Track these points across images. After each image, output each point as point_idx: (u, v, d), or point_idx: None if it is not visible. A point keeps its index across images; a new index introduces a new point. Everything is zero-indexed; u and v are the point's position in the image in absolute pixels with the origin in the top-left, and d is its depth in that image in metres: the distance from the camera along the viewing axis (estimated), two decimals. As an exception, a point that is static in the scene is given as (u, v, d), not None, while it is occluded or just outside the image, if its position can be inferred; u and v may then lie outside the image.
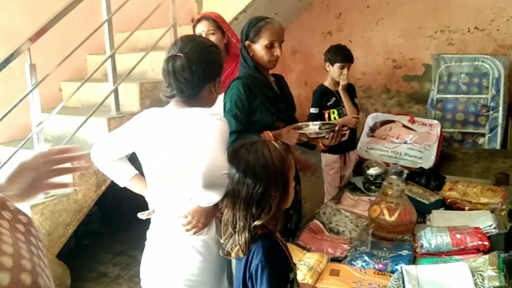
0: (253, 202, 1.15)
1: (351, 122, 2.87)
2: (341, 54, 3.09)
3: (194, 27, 2.56)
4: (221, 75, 1.57)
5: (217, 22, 2.51)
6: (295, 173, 2.23)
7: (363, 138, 3.22)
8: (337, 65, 3.08)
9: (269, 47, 2.02)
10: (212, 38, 2.41)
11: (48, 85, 2.81)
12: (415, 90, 4.13)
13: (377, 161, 2.79)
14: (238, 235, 1.15)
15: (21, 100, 2.47)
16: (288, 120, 2.15)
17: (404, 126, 3.20)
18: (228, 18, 3.42)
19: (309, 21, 4.42)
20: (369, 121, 3.33)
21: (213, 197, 1.32)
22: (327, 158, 3.20)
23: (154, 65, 3.22)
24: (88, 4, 2.82)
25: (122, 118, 2.81)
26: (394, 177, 2.57)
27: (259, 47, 2.03)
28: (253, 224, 1.15)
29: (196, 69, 1.43)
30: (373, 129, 3.27)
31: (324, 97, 3.11)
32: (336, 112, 3.09)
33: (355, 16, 4.26)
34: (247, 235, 1.15)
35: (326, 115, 3.08)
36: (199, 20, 2.54)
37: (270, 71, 2.19)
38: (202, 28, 2.49)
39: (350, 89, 3.21)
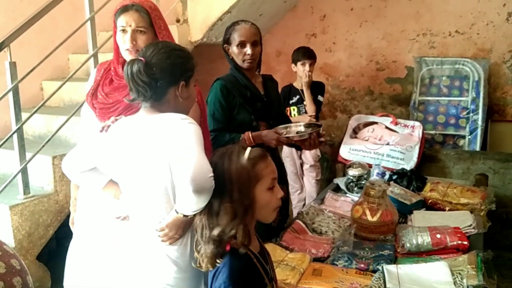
0: (212, 212, 1.16)
1: (305, 120, 3.01)
2: (301, 53, 3.38)
3: (115, 15, 1.74)
4: (188, 80, 1.49)
5: (150, 17, 1.73)
6: (279, 174, 2.25)
7: (346, 140, 3.26)
8: (299, 63, 3.36)
9: (241, 47, 2.14)
10: (140, 39, 1.71)
11: (29, 83, 2.77)
12: (398, 92, 4.18)
13: (359, 162, 2.82)
14: (205, 245, 1.15)
15: (0, 98, 2.42)
16: (267, 119, 2.21)
17: (386, 127, 3.24)
18: (213, 18, 3.42)
19: (294, 23, 4.44)
20: (352, 122, 3.37)
21: (200, 204, 1.31)
22: (284, 150, 3.46)
23: (138, 65, 3.19)
24: (70, 2, 2.79)
25: (105, 117, 2.77)
26: (376, 178, 2.61)
27: (234, 49, 2.16)
28: (213, 233, 1.14)
29: (154, 72, 1.41)
30: (356, 131, 3.31)
31: (287, 95, 3.42)
32: (296, 109, 3.39)
33: (339, 19, 4.29)
34: (212, 248, 1.14)
35: (288, 112, 3.35)
36: (126, 9, 1.71)
37: (261, 72, 2.28)
38: (129, 22, 1.70)
39: (319, 87, 3.38)
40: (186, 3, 3.51)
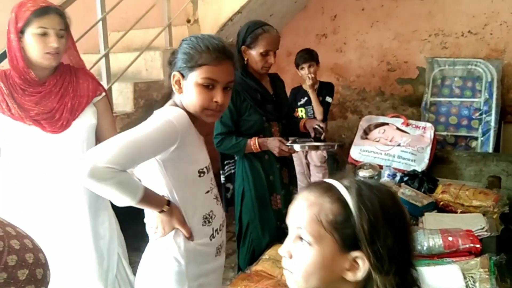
0: None
1: (312, 124, 2.83)
2: (300, 56, 3.37)
3: (30, 17, 1.62)
4: (185, 72, 1.31)
5: (66, 21, 1.70)
6: (290, 175, 2.26)
7: (357, 141, 3.23)
8: (299, 67, 3.36)
9: (264, 55, 2.12)
10: (61, 42, 1.66)
11: (41, 83, 2.79)
12: (409, 93, 4.14)
13: (370, 163, 2.80)
14: None
15: (13, 98, 2.44)
16: (278, 119, 2.21)
17: (397, 128, 3.21)
18: (223, 19, 3.42)
19: (304, 23, 4.43)
20: (363, 123, 3.35)
21: (118, 197, 1.21)
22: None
23: (149, 65, 3.21)
24: (83, 2, 2.80)
25: (116, 118, 2.79)
26: (387, 179, 2.59)
27: (254, 54, 2.13)
28: None
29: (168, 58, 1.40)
30: (366, 132, 3.29)
31: (295, 97, 3.40)
32: (303, 110, 3.38)
33: (350, 19, 4.27)
34: None
35: (296, 113, 3.35)
36: (46, 11, 1.62)
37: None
38: (52, 24, 1.63)
39: (327, 88, 3.36)
40: (197, 4, 3.51)
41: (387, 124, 3.27)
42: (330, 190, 0.82)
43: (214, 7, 3.47)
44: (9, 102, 1.63)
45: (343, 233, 0.78)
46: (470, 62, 3.76)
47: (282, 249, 0.85)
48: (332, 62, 4.30)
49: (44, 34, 1.63)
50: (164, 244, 1.38)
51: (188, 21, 3.57)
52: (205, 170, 1.37)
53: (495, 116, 3.56)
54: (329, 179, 0.85)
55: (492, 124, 3.56)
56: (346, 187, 0.81)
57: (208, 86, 1.31)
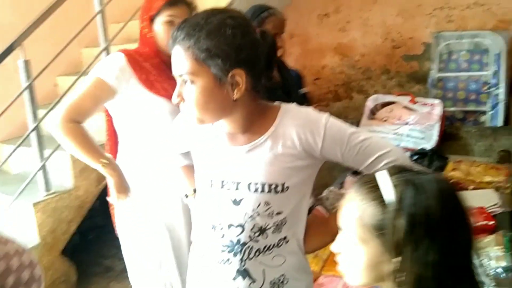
0: None
1: None
2: None
3: (162, 6, 1.69)
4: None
5: (193, 12, 1.74)
6: None
7: (364, 121, 3.20)
8: None
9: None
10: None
11: (44, 80, 2.77)
12: (415, 69, 4.08)
13: (379, 143, 2.77)
14: None
15: (16, 97, 2.44)
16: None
17: (405, 107, 3.17)
18: (223, 3, 3.36)
19: (306, 3, 4.34)
20: (370, 103, 3.31)
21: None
22: None
23: (150, 56, 3.17)
24: (81, -5, 2.78)
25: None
26: (396, 159, 2.56)
27: None
28: None
29: None
30: (373, 112, 3.25)
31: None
32: None
33: (352, -3, 4.19)
34: None
35: None
36: (176, 2, 1.70)
37: None
38: (180, 14, 1.69)
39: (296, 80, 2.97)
40: (195, -10, 3.46)
41: (394, 102, 3.23)
42: (375, 191, 0.80)
43: (213, -8, 3.41)
44: (163, 83, 1.65)
45: (385, 239, 0.78)
46: (477, 34, 3.67)
47: (334, 246, 0.88)
48: (335, 41, 4.23)
49: (172, 23, 1.66)
50: None
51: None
52: (212, 184, 1.16)
53: (504, 89, 3.50)
54: (382, 173, 0.82)
55: (501, 97, 3.49)
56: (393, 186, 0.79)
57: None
